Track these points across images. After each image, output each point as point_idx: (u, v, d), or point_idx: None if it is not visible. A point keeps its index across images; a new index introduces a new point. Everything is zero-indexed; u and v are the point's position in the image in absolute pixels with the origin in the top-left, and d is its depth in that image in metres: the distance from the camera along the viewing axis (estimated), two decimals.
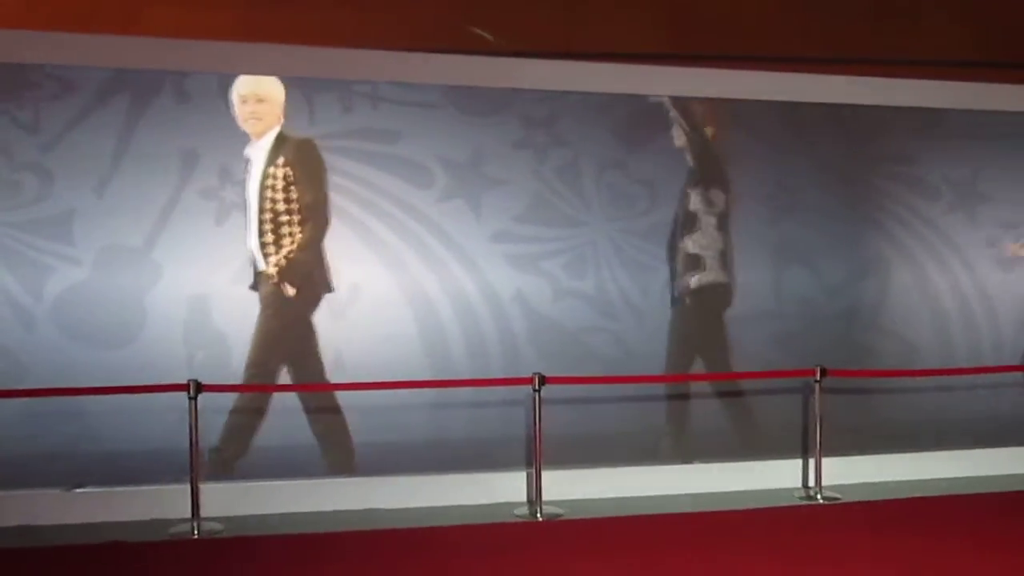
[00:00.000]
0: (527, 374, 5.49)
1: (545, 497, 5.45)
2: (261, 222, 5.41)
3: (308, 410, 5.50)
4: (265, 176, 5.42)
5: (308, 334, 5.49)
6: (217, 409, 5.33)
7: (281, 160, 5.42)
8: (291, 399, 5.49)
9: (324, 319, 5.51)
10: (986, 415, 6.46)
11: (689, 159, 5.96)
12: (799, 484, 6.05)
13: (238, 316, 5.40)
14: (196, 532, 5.04)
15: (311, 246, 5.48)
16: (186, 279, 5.33)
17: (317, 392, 5.50)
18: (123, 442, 5.28)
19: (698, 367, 6.00)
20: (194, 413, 5.06)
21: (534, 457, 5.46)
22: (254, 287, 5.42)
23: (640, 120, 5.91)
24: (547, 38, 6.33)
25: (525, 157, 5.78)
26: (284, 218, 5.42)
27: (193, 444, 5.08)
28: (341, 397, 5.50)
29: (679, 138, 5.94)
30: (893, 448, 6.21)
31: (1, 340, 5.14)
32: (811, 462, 5.94)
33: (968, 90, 6.39)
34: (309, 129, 5.48)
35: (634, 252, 5.91)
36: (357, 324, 5.54)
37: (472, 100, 5.69)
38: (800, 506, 5.66)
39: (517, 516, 5.42)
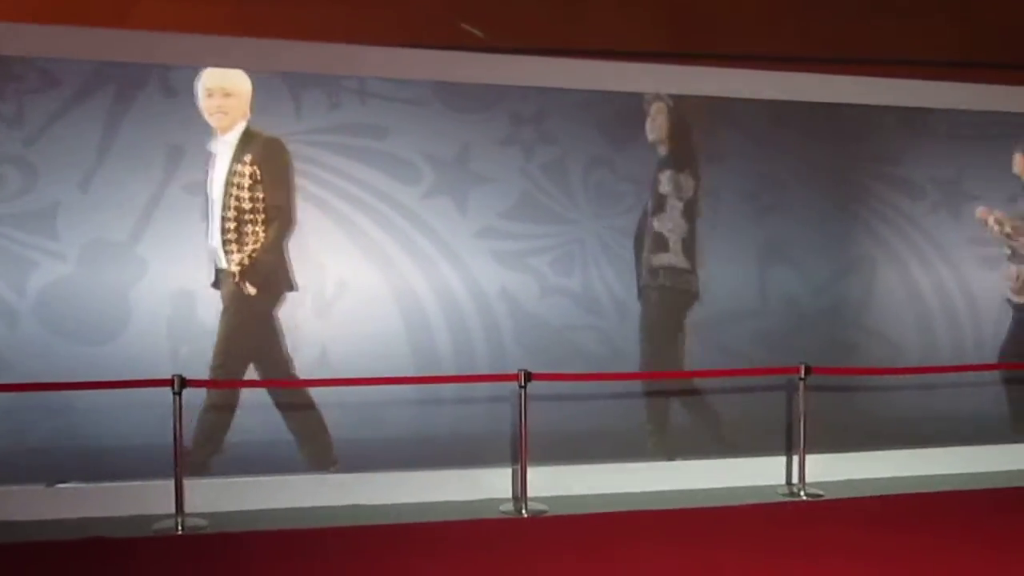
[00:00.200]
0: (513, 370, 5.50)
1: (530, 493, 5.46)
2: (224, 219, 5.35)
3: (280, 406, 5.47)
4: (231, 173, 5.36)
5: (270, 332, 5.45)
6: (201, 405, 5.33)
7: (248, 158, 5.36)
8: (266, 395, 5.47)
9: (308, 316, 5.49)
10: (969, 413, 6.51)
11: (661, 150, 5.95)
12: (783, 481, 6.09)
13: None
14: (180, 528, 5.03)
15: (275, 246, 5.42)
16: (171, 274, 5.30)
17: (294, 388, 5.46)
18: (107, 438, 5.26)
19: (664, 359, 6.00)
20: (178, 408, 5.05)
21: (520, 453, 5.47)
22: (215, 285, 5.39)
23: (628, 117, 5.91)
24: (542, 35, 6.32)
25: (512, 154, 5.77)
26: (248, 216, 5.37)
27: (177, 439, 5.06)
28: (326, 393, 5.48)
29: (652, 132, 5.93)
30: (876, 445, 6.26)
31: None
32: (795, 459, 5.97)
33: (954, 90, 6.43)
34: (296, 124, 5.46)
35: (621, 250, 5.92)
36: (342, 320, 5.53)
37: (459, 96, 5.69)
38: (783, 503, 5.69)
39: (502, 512, 5.43)
